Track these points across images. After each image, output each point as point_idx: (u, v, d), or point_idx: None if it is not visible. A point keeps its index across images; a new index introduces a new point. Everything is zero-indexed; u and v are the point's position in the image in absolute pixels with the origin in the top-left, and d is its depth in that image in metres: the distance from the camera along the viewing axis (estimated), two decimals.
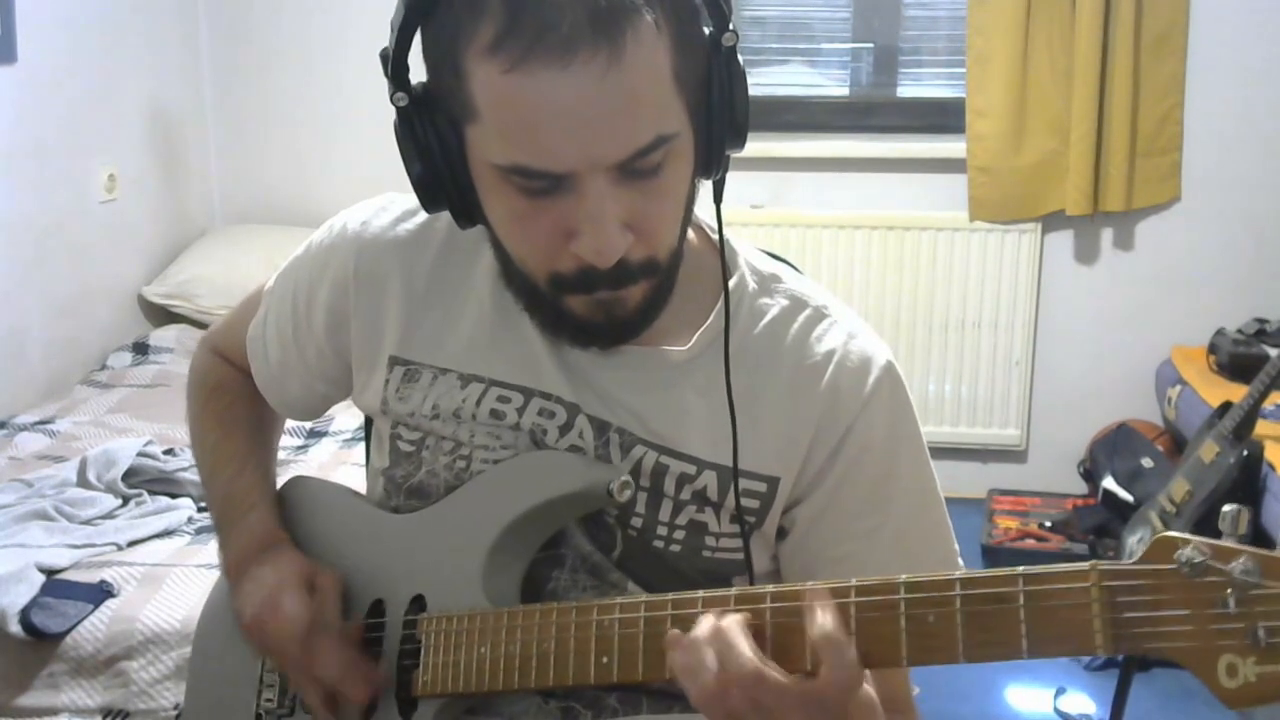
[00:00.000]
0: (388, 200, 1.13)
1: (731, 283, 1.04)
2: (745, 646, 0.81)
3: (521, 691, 0.97)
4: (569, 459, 1.01)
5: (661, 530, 1.01)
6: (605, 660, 0.89)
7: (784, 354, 1.03)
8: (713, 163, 0.94)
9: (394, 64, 0.90)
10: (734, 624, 0.82)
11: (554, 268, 0.92)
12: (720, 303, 1.02)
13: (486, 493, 1.02)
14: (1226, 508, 0.68)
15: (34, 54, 2.98)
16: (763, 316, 1.04)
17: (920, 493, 1.04)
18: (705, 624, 0.83)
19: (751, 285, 1.05)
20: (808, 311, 1.05)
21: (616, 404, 1.01)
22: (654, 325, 0.99)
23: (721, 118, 0.91)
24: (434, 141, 0.91)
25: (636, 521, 1.01)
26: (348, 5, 3.52)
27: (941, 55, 3.62)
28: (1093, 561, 0.71)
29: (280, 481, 1.23)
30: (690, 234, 1.05)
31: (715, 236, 1.04)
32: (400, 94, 0.90)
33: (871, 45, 3.65)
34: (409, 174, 0.93)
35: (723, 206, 0.99)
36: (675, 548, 1.01)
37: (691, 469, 1.00)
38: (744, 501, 1.00)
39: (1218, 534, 0.69)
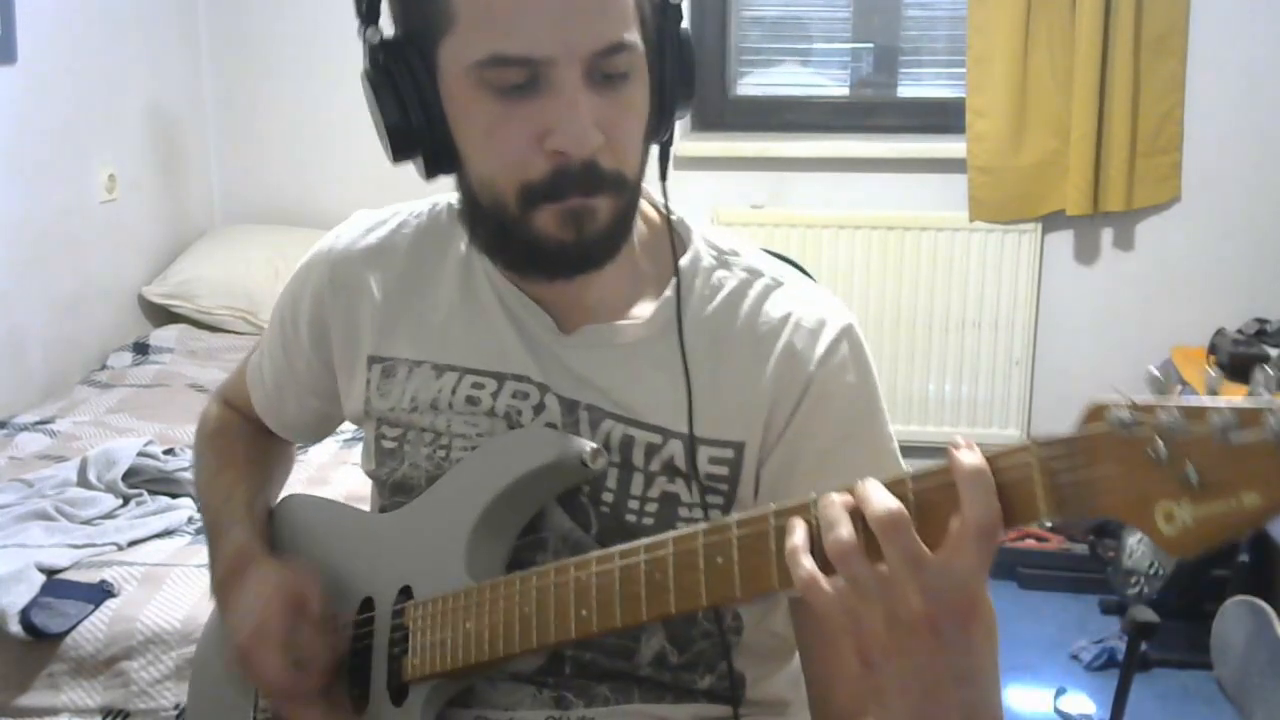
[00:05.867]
0: (357, 217, 1.19)
1: (686, 258, 1.07)
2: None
3: (508, 659, 0.97)
4: (540, 434, 1.03)
5: (633, 504, 1.02)
6: (585, 613, 0.90)
7: (741, 322, 1.05)
8: (665, 108, 0.99)
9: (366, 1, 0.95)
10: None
11: (525, 177, 0.94)
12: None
13: (463, 478, 1.04)
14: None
15: (34, 54, 2.98)
16: (720, 289, 1.07)
17: (879, 453, 1.05)
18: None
19: (707, 260, 1.08)
20: (764, 280, 1.08)
21: (583, 381, 1.04)
22: (615, 303, 1.04)
23: (672, 66, 0.99)
24: (405, 76, 0.96)
25: (608, 497, 1.02)
26: (348, 6, 3.51)
27: (941, 55, 3.62)
28: (1031, 436, 0.75)
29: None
30: (651, 212, 1.09)
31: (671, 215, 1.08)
32: (372, 29, 0.94)
33: (871, 45, 3.65)
34: (381, 117, 0.97)
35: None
36: (648, 520, 1.02)
37: (657, 439, 1.02)
38: (713, 469, 1.02)
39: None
